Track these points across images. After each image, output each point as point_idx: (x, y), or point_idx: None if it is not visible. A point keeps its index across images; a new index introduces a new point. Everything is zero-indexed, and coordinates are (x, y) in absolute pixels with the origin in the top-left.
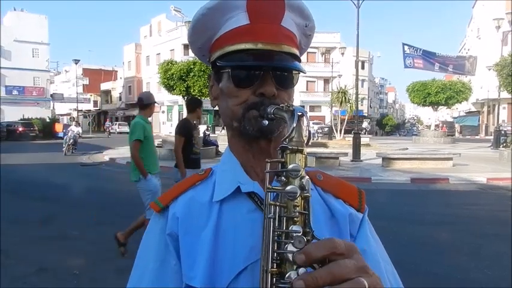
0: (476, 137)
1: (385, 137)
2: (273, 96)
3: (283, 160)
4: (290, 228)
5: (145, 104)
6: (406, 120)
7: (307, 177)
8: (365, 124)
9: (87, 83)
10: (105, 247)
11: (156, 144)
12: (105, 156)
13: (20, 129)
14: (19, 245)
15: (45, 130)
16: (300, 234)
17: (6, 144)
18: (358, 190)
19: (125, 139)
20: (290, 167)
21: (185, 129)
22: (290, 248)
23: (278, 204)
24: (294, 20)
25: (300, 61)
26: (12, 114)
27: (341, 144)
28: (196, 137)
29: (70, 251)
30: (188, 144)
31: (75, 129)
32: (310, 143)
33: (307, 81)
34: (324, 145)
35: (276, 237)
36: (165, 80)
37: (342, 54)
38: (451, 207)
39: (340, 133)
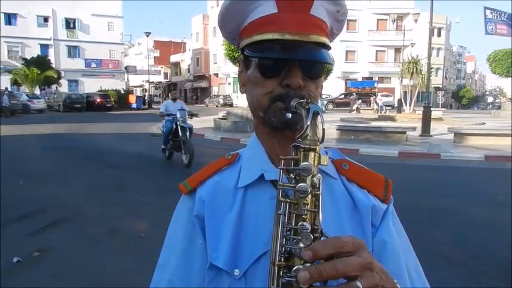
0: None
1: (461, 111)
2: (298, 87)
3: (297, 157)
4: (299, 224)
5: None
6: (488, 92)
7: (319, 175)
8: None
9: (158, 55)
10: (168, 214)
11: (221, 116)
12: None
13: (98, 100)
14: (94, 208)
15: (121, 101)
16: (308, 231)
17: (86, 115)
18: (385, 180)
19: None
20: (302, 165)
21: None
22: (298, 244)
23: (289, 201)
24: (325, 7)
25: (329, 49)
26: (91, 86)
27: (410, 117)
28: None
29: (137, 216)
30: None
31: (176, 105)
32: (324, 141)
33: (377, 51)
34: (392, 118)
35: (285, 232)
36: (230, 52)
37: (415, 21)
38: None
39: (410, 106)
